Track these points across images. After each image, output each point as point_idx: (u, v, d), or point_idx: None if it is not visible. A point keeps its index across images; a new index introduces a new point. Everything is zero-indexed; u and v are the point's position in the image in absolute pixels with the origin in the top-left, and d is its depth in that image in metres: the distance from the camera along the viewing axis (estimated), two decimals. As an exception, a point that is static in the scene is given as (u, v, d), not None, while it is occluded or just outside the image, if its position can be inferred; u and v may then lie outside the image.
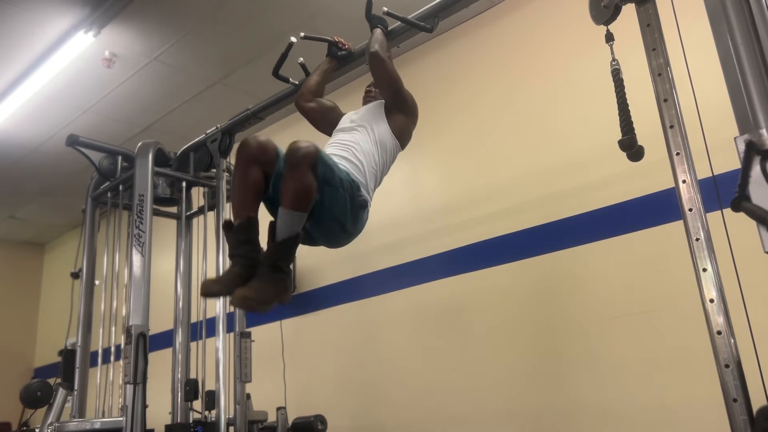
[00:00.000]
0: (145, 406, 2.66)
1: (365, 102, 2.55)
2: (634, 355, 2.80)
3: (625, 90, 1.94)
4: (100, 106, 4.62)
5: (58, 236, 7.48)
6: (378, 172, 2.28)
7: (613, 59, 1.96)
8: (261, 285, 1.85)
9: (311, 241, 2.17)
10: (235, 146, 2.34)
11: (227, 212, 3.22)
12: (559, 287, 3.15)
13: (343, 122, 2.44)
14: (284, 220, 1.89)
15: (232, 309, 3.05)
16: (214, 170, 3.31)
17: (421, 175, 3.85)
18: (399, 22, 2.46)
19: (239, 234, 1.95)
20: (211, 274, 3.14)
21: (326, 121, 2.57)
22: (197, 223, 3.60)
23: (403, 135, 2.39)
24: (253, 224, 1.96)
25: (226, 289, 1.88)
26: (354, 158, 2.20)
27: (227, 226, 1.98)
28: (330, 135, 2.50)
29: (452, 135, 3.81)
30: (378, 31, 2.41)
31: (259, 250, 1.96)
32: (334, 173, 1.99)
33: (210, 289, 1.93)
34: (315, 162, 1.90)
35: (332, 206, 2.01)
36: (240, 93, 4.41)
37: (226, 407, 2.83)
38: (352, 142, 2.26)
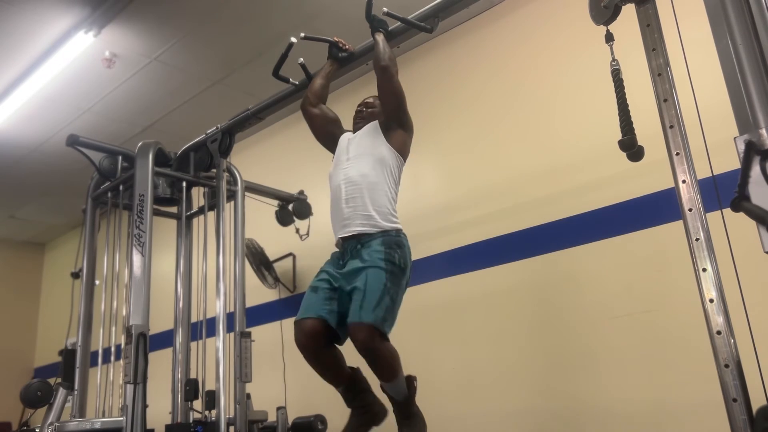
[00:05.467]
0: (145, 406, 2.65)
1: (356, 123, 2.60)
2: (634, 355, 2.80)
3: (625, 90, 1.94)
4: (100, 106, 4.62)
5: (58, 236, 7.48)
6: (393, 194, 2.41)
7: (613, 59, 1.96)
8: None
9: None
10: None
11: (227, 212, 3.23)
12: (559, 287, 3.15)
13: (341, 153, 2.50)
14: (392, 390, 2.25)
15: (232, 309, 3.05)
16: (214, 170, 3.31)
17: (421, 176, 3.85)
18: (399, 23, 2.46)
19: (349, 392, 2.29)
20: (211, 274, 3.15)
21: (325, 132, 2.64)
22: (197, 223, 3.59)
23: (404, 150, 2.47)
24: (356, 380, 2.31)
25: None
26: (374, 205, 2.32)
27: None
28: (325, 145, 2.64)
29: (452, 135, 3.81)
30: (382, 40, 2.43)
31: (369, 390, 2.33)
32: (392, 299, 2.19)
33: None
34: (379, 336, 2.12)
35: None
36: (240, 93, 4.41)
37: (226, 407, 2.83)
38: (359, 179, 2.35)
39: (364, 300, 2.10)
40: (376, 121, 2.49)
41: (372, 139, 2.44)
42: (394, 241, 2.27)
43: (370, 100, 2.61)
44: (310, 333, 2.18)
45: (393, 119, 2.43)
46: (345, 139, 2.56)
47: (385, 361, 2.15)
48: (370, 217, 2.29)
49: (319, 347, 2.19)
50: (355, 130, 2.59)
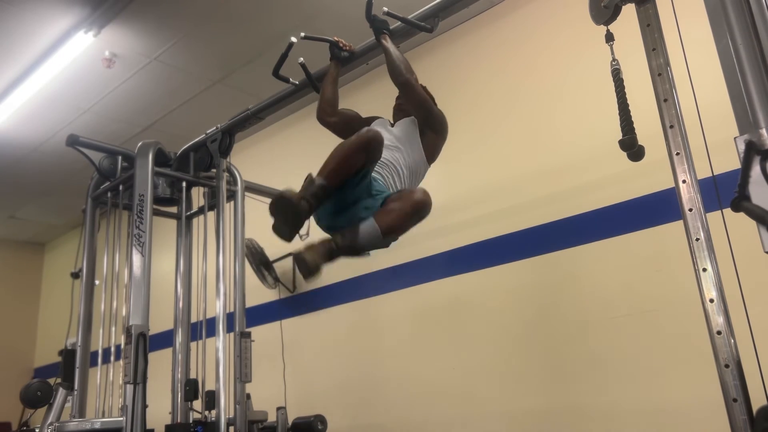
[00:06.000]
0: (145, 406, 2.65)
1: (396, 114, 2.63)
2: (634, 355, 2.80)
3: (625, 90, 1.94)
4: (100, 106, 4.62)
5: (58, 236, 7.48)
6: None
7: (613, 59, 1.96)
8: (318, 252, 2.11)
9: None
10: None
11: (227, 212, 3.23)
12: (559, 287, 3.15)
13: (382, 131, 2.48)
14: (373, 240, 2.10)
15: (232, 309, 3.05)
16: (214, 170, 3.31)
17: (421, 175, 3.85)
18: (399, 22, 2.46)
19: (321, 191, 2.09)
20: (211, 274, 3.15)
21: (351, 131, 2.62)
22: (197, 223, 3.59)
23: (433, 154, 2.52)
24: (332, 192, 2.14)
25: (292, 226, 2.09)
26: (392, 179, 2.36)
27: (312, 178, 2.13)
28: None
29: (452, 135, 3.77)
30: (392, 48, 2.41)
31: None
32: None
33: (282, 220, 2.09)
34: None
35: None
36: (240, 93, 4.41)
37: (226, 407, 2.83)
38: (394, 161, 2.39)
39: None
40: (414, 118, 2.51)
41: (411, 138, 2.47)
42: None
43: None
44: (381, 140, 2.12)
45: (426, 126, 2.48)
46: (380, 122, 2.58)
47: (409, 222, 2.14)
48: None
49: (370, 150, 2.10)
50: (394, 121, 2.61)
